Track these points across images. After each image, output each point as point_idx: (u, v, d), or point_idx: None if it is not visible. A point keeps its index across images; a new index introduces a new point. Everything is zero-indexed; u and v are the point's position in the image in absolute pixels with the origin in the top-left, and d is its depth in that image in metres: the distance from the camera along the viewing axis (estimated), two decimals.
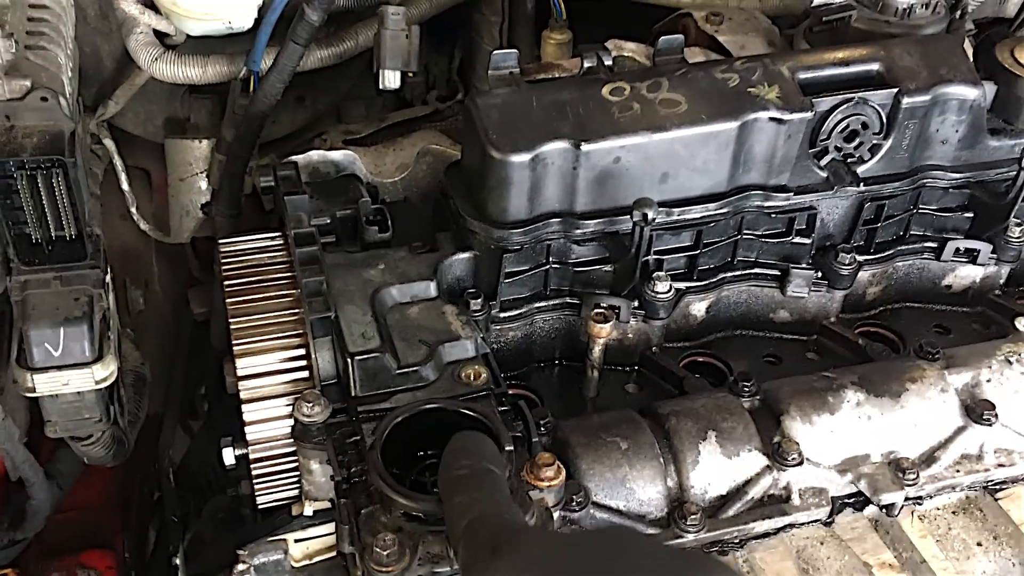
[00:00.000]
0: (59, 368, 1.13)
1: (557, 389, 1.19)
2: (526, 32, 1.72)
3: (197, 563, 1.63)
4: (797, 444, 1.05)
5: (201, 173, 1.59)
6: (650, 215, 1.07)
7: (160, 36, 1.45)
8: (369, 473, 0.92)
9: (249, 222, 1.49)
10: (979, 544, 1.06)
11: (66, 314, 1.13)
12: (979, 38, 1.50)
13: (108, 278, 1.22)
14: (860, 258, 1.22)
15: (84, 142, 1.42)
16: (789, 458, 1.04)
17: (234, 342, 1.07)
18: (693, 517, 1.00)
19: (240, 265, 1.14)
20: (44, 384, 1.14)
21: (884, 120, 1.17)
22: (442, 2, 1.58)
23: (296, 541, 1.10)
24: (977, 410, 1.10)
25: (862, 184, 1.19)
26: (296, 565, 1.09)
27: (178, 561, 1.59)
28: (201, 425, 1.82)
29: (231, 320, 1.08)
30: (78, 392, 1.17)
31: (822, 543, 1.04)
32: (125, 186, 1.63)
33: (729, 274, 1.21)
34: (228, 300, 1.10)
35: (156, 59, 1.43)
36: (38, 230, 1.13)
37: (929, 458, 1.09)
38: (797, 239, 1.20)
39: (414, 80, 1.77)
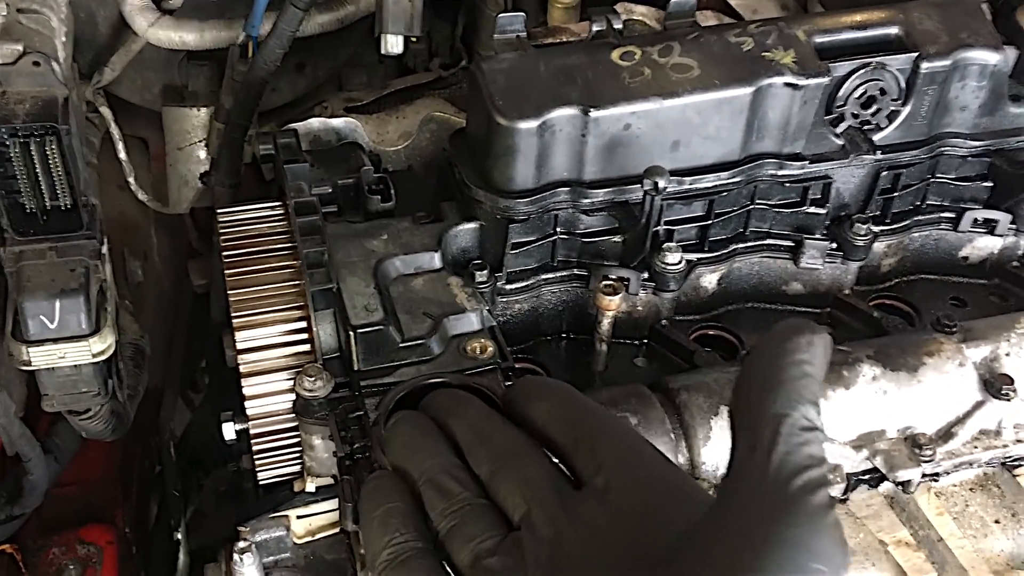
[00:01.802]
0: (55, 341, 1.11)
1: (565, 363, 1.16)
2: None
3: (199, 536, 1.62)
4: None
5: (200, 142, 1.55)
6: (661, 184, 1.04)
7: (156, 1, 1.41)
8: (372, 449, 0.90)
9: (249, 192, 1.46)
10: (997, 521, 1.04)
11: (62, 286, 1.11)
12: (997, 2, 1.45)
13: (105, 249, 1.19)
14: (876, 228, 1.19)
15: (80, 109, 1.38)
16: None
17: (233, 314, 1.04)
18: None
19: (239, 235, 1.11)
20: (40, 357, 1.12)
21: (903, 86, 1.13)
22: None
23: (298, 517, 1.08)
24: (996, 384, 1.07)
25: (879, 152, 1.16)
26: (299, 542, 1.07)
27: (180, 535, 1.57)
28: (202, 398, 1.80)
29: (230, 292, 1.05)
30: (75, 365, 1.14)
31: None
32: (123, 155, 1.59)
33: (741, 245, 1.18)
34: (227, 271, 1.07)
35: (152, 24, 1.40)
36: (32, 199, 1.11)
37: (946, 434, 1.06)
38: (811, 209, 1.17)
39: (416, 47, 1.73)
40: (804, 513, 0.60)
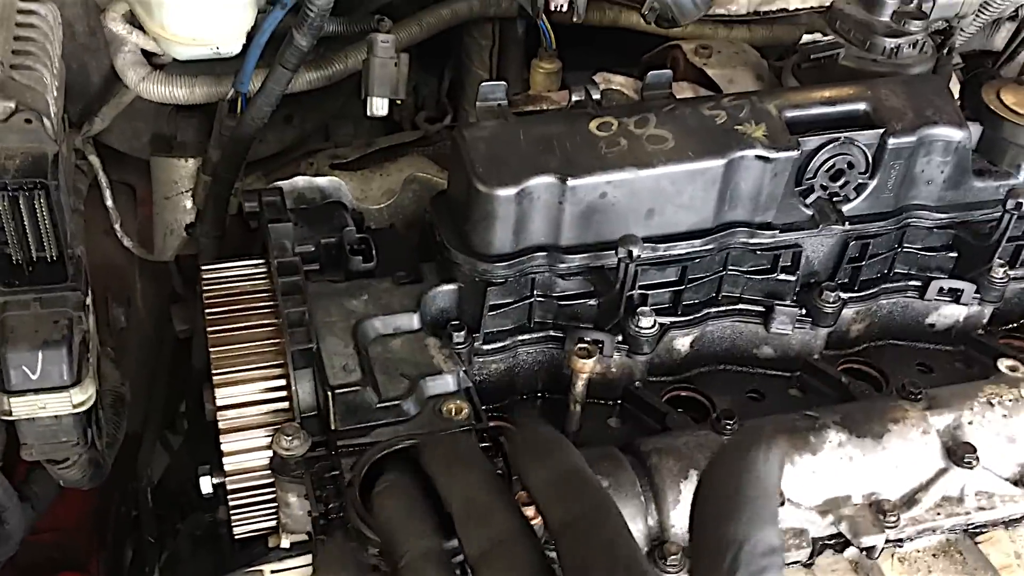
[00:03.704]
0: (36, 391, 1.12)
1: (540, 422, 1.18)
2: (516, 55, 1.73)
3: None
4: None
5: (187, 192, 1.58)
6: (635, 252, 1.07)
7: (148, 55, 1.44)
8: (347, 509, 0.91)
9: (233, 242, 1.48)
10: None
11: (45, 337, 1.12)
12: (966, 74, 1.50)
13: (89, 300, 1.21)
14: (844, 296, 1.22)
15: (69, 160, 1.41)
16: None
17: (214, 371, 1.06)
18: (673, 557, 1.00)
19: (222, 292, 1.13)
20: (21, 407, 1.13)
21: (870, 160, 1.17)
22: (432, 26, 1.59)
23: (272, 572, 1.09)
24: (958, 452, 1.10)
25: (847, 223, 1.19)
26: None
27: None
28: (181, 442, 1.81)
29: (211, 349, 1.07)
30: (55, 416, 1.16)
31: None
32: (109, 203, 1.62)
33: (713, 309, 1.20)
34: (208, 328, 1.09)
35: (143, 79, 1.43)
36: (19, 252, 1.13)
37: (910, 500, 1.09)
38: (782, 276, 1.20)
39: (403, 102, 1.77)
40: None
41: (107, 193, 1.62)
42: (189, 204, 1.57)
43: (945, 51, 1.37)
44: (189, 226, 1.51)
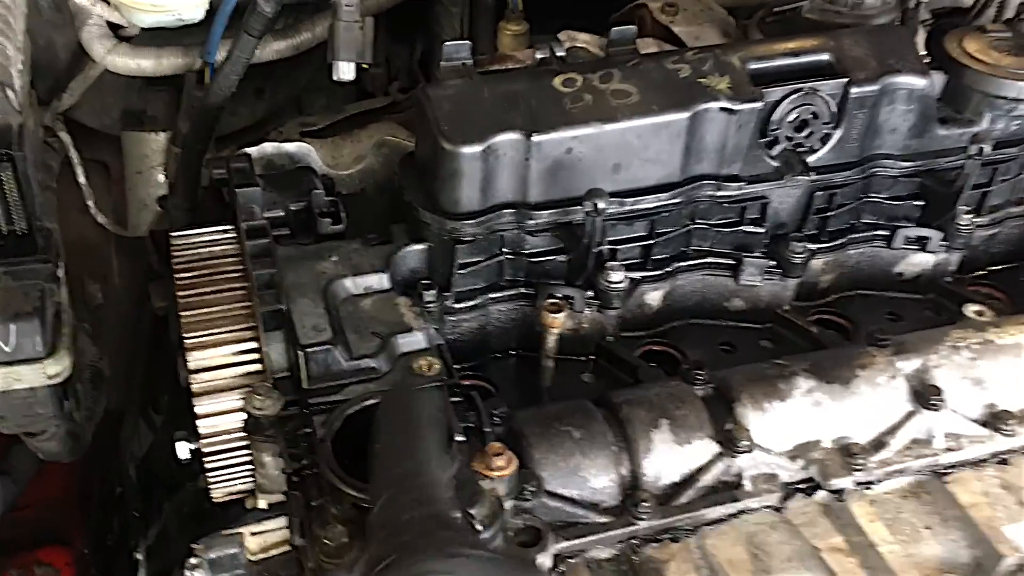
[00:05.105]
0: (10, 364, 1.13)
1: (514, 379, 1.19)
2: (487, 22, 1.72)
3: (162, 558, 1.63)
4: (748, 431, 1.06)
5: (159, 166, 1.58)
6: (601, 205, 1.07)
7: (114, 27, 1.44)
8: (319, 465, 0.92)
9: (208, 214, 1.48)
10: (927, 528, 1.07)
11: (17, 309, 1.13)
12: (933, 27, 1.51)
13: (61, 272, 1.21)
14: (812, 246, 1.23)
15: (36, 135, 1.41)
16: (740, 445, 1.05)
17: (185, 336, 1.06)
18: (645, 505, 1.01)
19: (192, 258, 1.13)
20: None
21: (834, 110, 1.18)
22: None
23: (252, 534, 1.09)
24: (925, 395, 1.11)
25: (813, 173, 1.20)
26: (253, 559, 1.09)
27: (140, 556, 1.58)
28: (163, 419, 1.81)
29: (182, 313, 1.07)
30: (30, 388, 1.16)
31: (773, 528, 1.05)
32: (82, 179, 1.62)
33: (683, 263, 1.21)
34: (179, 293, 1.09)
35: (110, 51, 1.42)
36: None
37: (878, 443, 1.10)
38: (749, 228, 1.21)
39: (375, 71, 1.76)
40: None
41: (79, 170, 1.62)
42: (162, 178, 1.57)
43: (912, 4, 1.37)
44: (161, 199, 1.51)
